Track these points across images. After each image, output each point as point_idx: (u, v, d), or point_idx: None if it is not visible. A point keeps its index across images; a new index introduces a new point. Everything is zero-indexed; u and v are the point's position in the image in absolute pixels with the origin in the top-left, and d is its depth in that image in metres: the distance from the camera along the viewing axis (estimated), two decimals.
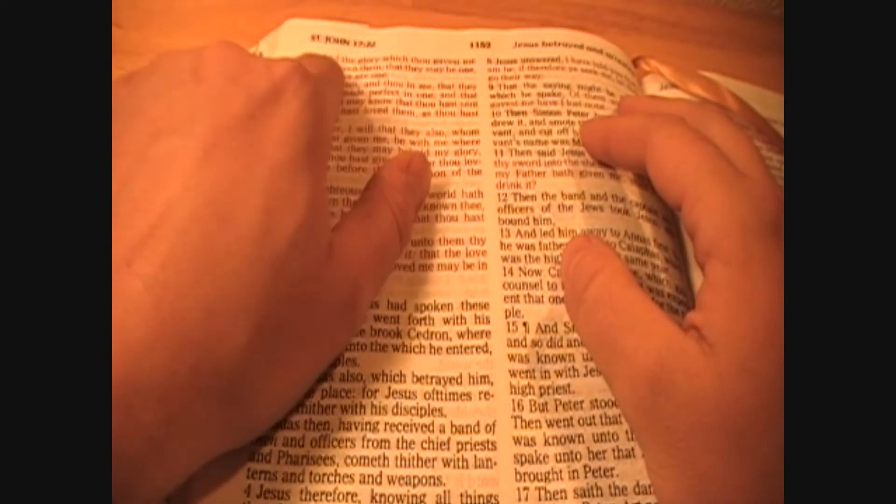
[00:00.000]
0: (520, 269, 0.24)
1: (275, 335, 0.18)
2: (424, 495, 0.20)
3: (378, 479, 0.20)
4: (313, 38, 0.29)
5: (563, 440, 0.21)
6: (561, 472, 0.21)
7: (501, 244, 0.25)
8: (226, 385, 0.17)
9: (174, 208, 0.17)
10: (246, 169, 0.18)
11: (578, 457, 0.21)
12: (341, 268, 0.20)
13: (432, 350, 0.23)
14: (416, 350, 0.23)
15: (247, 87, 0.20)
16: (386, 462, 0.21)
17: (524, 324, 0.23)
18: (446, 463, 0.21)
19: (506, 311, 0.23)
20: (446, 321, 0.23)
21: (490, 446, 0.21)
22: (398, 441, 0.21)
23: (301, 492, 0.20)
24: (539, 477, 0.21)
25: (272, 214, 0.18)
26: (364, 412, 0.21)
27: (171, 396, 0.16)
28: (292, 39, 0.29)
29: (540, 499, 0.20)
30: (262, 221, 0.18)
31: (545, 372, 0.22)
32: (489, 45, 0.30)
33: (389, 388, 0.22)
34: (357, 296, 0.21)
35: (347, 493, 0.20)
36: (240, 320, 0.17)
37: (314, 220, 0.19)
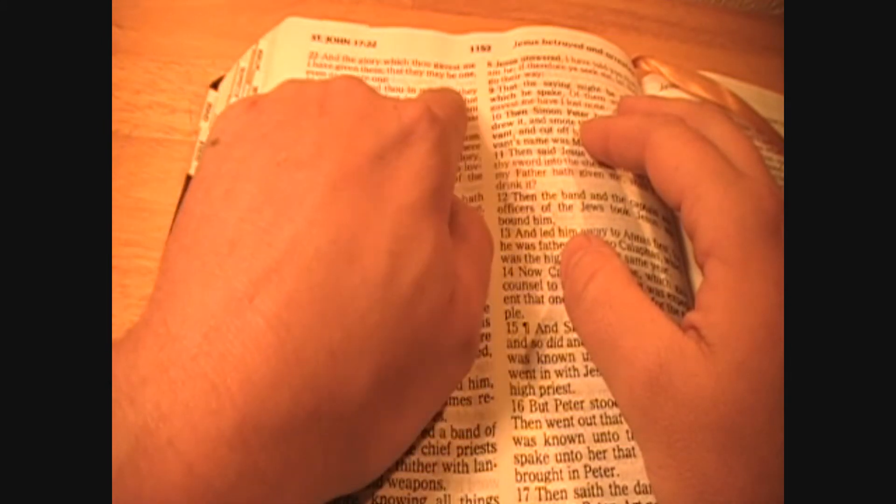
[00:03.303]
0: (520, 269, 0.24)
1: (396, 380, 0.18)
2: (425, 499, 0.20)
3: (378, 482, 0.20)
4: (314, 37, 0.29)
5: (563, 440, 0.21)
6: (561, 471, 0.21)
7: (501, 244, 0.25)
8: (345, 430, 0.17)
9: (299, 245, 0.17)
10: (373, 209, 0.18)
11: (579, 456, 0.21)
12: (462, 307, 0.20)
13: None
14: None
15: (376, 126, 0.19)
16: None
17: (524, 324, 0.23)
18: (446, 468, 0.21)
19: (506, 312, 0.23)
20: None
21: (490, 448, 0.21)
22: None
23: None
24: (539, 477, 0.21)
25: (398, 257, 0.18)
26: None
27: (290, 440, 0.15)
28: (292, 38, 0.29)
29: (540, 499, 0.20)
30: (389, 264, 0.17)
31: (545, 372, 0.22)
32: (489, 48, 0.30)
33: None
34: (474, 331, 0.21)
35: (348, 497, 0.20)
36: (363, 364, 0.17)
37: (440, 265, 0.19)
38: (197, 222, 0.17)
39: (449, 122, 0.22)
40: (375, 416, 0.17)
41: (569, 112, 0.28)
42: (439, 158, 0.20)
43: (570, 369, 0.22)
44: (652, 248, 0.25)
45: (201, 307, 0.16)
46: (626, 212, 0.26)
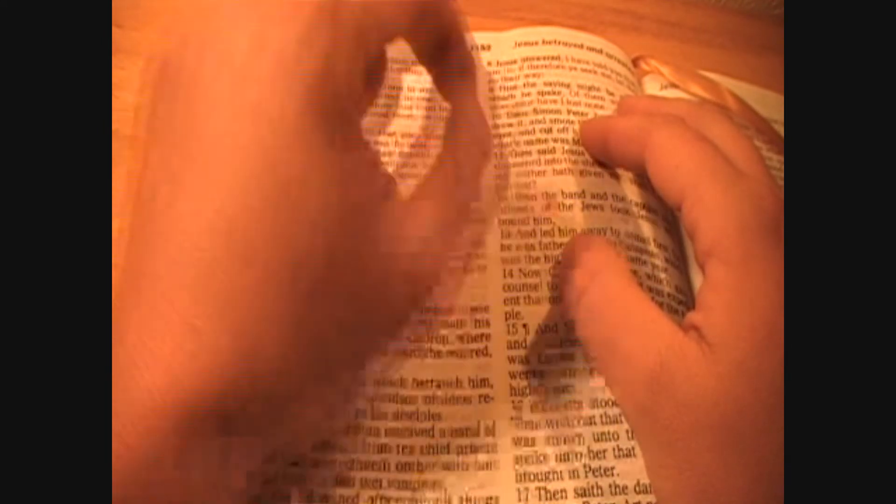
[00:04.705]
0: (520, 269, 0.24)
1: (312, 349, 0.17)
2: (425, 499, 0.20)
3: (378, 484, 0.20)
4: None
5: (563, 440, 0.21)
6: (561, 471, 0.21)
7: (501, 245, 0.25)
8: (269, 414, 0.16)
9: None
10: None
11: (579, 456, 0.21)
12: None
13: (433, 354, 0.23)
14: (417, 355, 0.23)
15: None
16: (387, 467, 0.21)
17: (524, 325, 0.23)
18: (446, 468, 0.21)
19: (506, 314, 0.23)
20: (447, 325, 0.23)
21: (490, 448, 0.21)
22: (398, 447, 0.21)
23: (301, 494, 0.20)
24: (539, 477, 0.21)
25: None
26: (365, 417, 0.21)
27: (223, 443, 0.15)
28: None
29: (540, 499, 0.20)
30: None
31: (545, 372, 0.22)
32: (489, 47, 0.30)
33: (390, 394, 0.22)
34: (422, 277, 0.18)
35: (348, 497, 0.20)
36: (275, 341, 0.16)
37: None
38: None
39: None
40: (297, 392, 0.17)
41: (569, 112, 0.28)
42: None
43: (570, 369, 0.22)
44: (652, 247, 0.25)
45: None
46: (626, 211, 0.26)
